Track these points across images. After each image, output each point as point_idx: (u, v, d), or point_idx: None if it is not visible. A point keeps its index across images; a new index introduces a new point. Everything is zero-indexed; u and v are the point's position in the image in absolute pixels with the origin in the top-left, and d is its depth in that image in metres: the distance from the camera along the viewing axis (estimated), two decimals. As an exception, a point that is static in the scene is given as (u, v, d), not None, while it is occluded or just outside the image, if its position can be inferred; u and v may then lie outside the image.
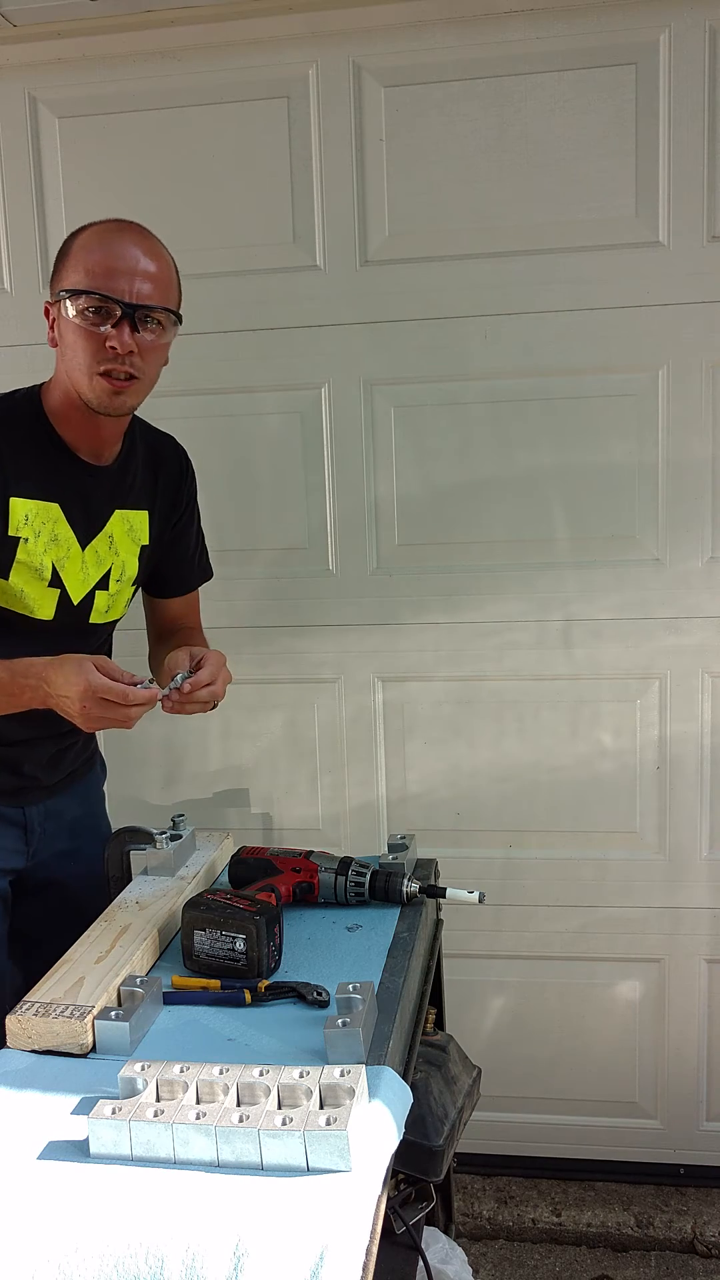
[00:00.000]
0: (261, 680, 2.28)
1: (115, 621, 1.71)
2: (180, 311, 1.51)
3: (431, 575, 2.21)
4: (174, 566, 1.77)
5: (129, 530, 1.64)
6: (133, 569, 1.66)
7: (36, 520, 1.51)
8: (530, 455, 2.16)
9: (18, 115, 2.19)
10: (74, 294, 1.43)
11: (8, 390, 1.59)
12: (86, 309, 1.42)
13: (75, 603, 1.58)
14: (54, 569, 1.54)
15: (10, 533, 1.49)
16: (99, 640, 1.70)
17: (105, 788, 2.38)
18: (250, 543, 2.26)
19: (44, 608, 1.55)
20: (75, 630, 1.61)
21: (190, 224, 2.17)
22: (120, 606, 1.68)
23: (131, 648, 1.83)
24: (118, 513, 1.61)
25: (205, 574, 1.84)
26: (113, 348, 1.42)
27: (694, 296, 2.06)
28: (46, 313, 1.49)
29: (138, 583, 1.71)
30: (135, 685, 1.36)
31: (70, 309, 1.43)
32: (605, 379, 2.12)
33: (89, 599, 1.60)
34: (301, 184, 2.13)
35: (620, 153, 2.04)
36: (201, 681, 1.47)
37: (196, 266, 2.17)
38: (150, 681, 1.39)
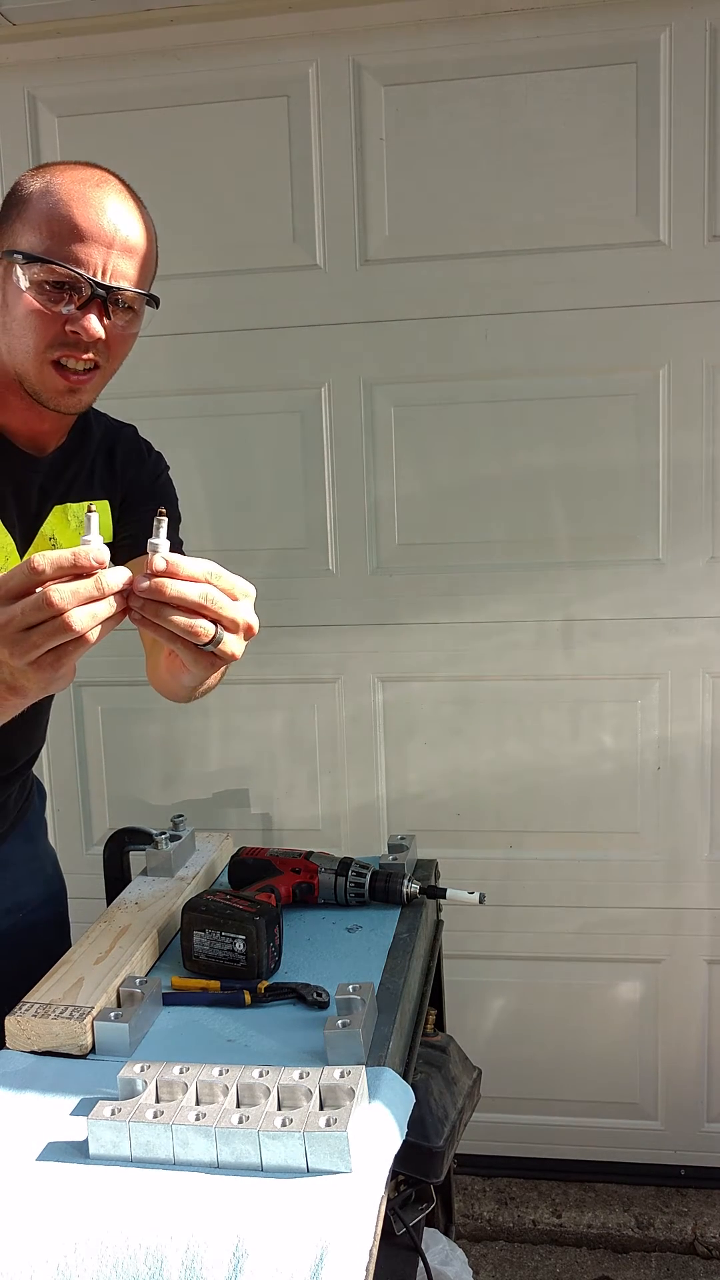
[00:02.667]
0: (261, 680, 2.27)
1: None
2: (157, 295, 1.25)
3: (431, 575, 2.21)
4: (144, 526, 1.37)
5: (78, 527, 1.36)
6: None
7: None
8: (530, 455, 2.15)
9: (17, 115, 2.19)
10: (30, 260, 1.14)
11: None
12: (45, 281, 1.14)
13: None
14: None
15: None
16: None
17: (104, 788, 2.39)
18: (250, 543, 2.25)
19: None
20: None
21: (190, 223, 2.17)
22: None
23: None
24: (57, 509, 1.34)
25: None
26: (75, 333, 1.15)
27: (694, 296, 2.06)
28: None
29: None
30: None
31: (22, 277, 1.14)
32: (605, 379, 2.11)
33: None
34: (301, 183, 2.13)
35: (620, 152, 2.04)
36: (182, 571, 0.92)
37: (196, 266, 2.18)
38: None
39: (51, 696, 1.52)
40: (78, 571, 0.88)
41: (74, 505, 1.36)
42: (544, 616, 2.19)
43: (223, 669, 1.10)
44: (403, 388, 2.17)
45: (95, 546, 0.90)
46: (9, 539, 1.29)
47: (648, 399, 2.11)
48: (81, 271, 1.14)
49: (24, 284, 1.14)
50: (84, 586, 0.88)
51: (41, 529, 1.33)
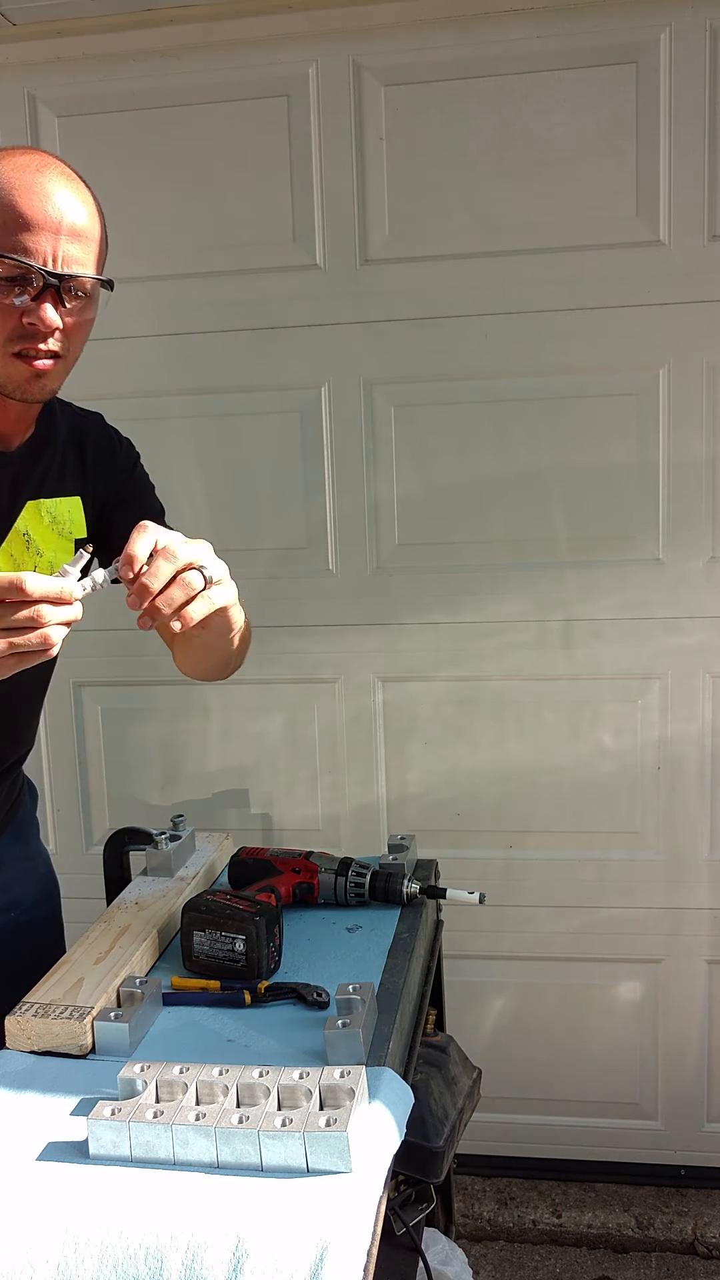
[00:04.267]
0: (261, 680, 2.27)
1: None
2: (111, 278, 1.24)
3: (431, 575, 2.21)
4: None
5: (52, 523, 1.36)
6: None
7: None
8: (530, 455, 2.15)
9: (17, 115, 2.19)
10: None
11: None
12: None
13: None
14: None
15: None
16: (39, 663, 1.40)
17: (103, 788, 2.39)
18: (250, 543, 2.25)
19: None
20: None
21: (190, 223, 2.17)
22: None
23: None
24: (30, 505, 1.34)
25: None
26: (32, 325, 1.15)
27: (694, 296, 2.06)
28: None
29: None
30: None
31: None
32: (605, 379, 2.11)
33: None
34: (301, 183, 2.13)
35: (620, 152, 2.04)
36: (134, 561, 1.06)
37: (196, 265, 2.18)
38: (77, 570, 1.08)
39: (43, 697, 1.52)
40: (59, 601, 1.02)
41: (47, 501, 1.36)
42: (544, 616, 2.19)
43: (239, 638, 1.31)
44: (403, 388, 2.17)
45: (73, 583, 1.05)
46: None
47: (648, 399, 2.11)
48: (31, 262, 1.14)
49: None
50: (69, 613, 1.03)
51: (15, 525, 1.33)
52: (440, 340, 2.14)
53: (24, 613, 1.00)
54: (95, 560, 1.09)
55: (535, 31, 2.03)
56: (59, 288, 1.16)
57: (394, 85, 2.08)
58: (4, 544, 1.31)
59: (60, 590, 1.02)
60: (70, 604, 1.03)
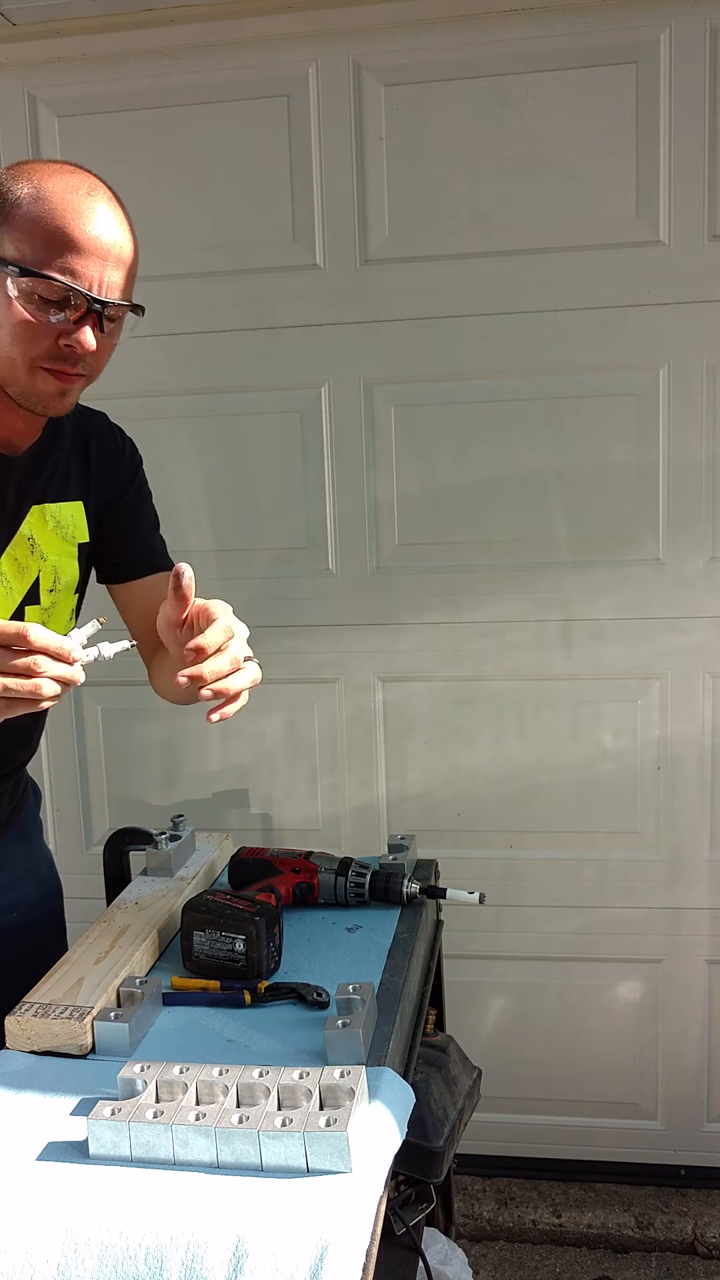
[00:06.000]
0: (261, 680, 2.27)
1: None
2: (141, 304, 1.24)
3: (431, 575, 2.21)
4: (133, 544, 1.48)
5: (56, 527, 1.37)
6: (71, 573, 1.40)
7: None
8: (530, 455, 2.15)
9: (17, 115, 2.19)
10: (25, 273, 1.13)
11: None
12: (37, 293, 1.14)
13: None
14: None
15: None
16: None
17: (104, 788, 2.39)
18: (250, 543, 2.25)
19: None
20: None
21: (190, 223, 2.17)
22: (61, 622, 1.41)
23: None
24: (35, 509, 1.34)
25: (168, 560, 1.50)
26: (69, 347, 1.16)
27: (694, 296, 2.06)
28: None
29: (81, 589, 1.45)
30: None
31: (11, 286, 1.14)
32: (605, 379, 2.11)
33: (19, 617, 1.33)
34: (301, 183, 2.13)
35: (620, 152, 2.04)
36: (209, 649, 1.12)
37: (196, 266, 2.18)
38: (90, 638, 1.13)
39: None
40: (59, 656, 1.05)
41: (52, 505, 1.36)
42: (544, 616, 2.19)
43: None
44: (403, 388, 2.17)
45: (76, 645, 1.08)
46: None
47: (648, 399, 2.11)
48: (78, 286, 1.14)
49: (13, 292, 1.14)
50: (66, 671, 1.06)
51: (20, 530, 1.33)
52: (440, 340, 2.14)
53: (22, 660, 1.03)
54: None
55: (535, 31, 2.03)
56: (101, 313, 1.16)
57: (394, 85, 2.08)
58: (9, 548, 1.32)
59: (60, 646, 1.05)
60: (70, 662, 1.06)
